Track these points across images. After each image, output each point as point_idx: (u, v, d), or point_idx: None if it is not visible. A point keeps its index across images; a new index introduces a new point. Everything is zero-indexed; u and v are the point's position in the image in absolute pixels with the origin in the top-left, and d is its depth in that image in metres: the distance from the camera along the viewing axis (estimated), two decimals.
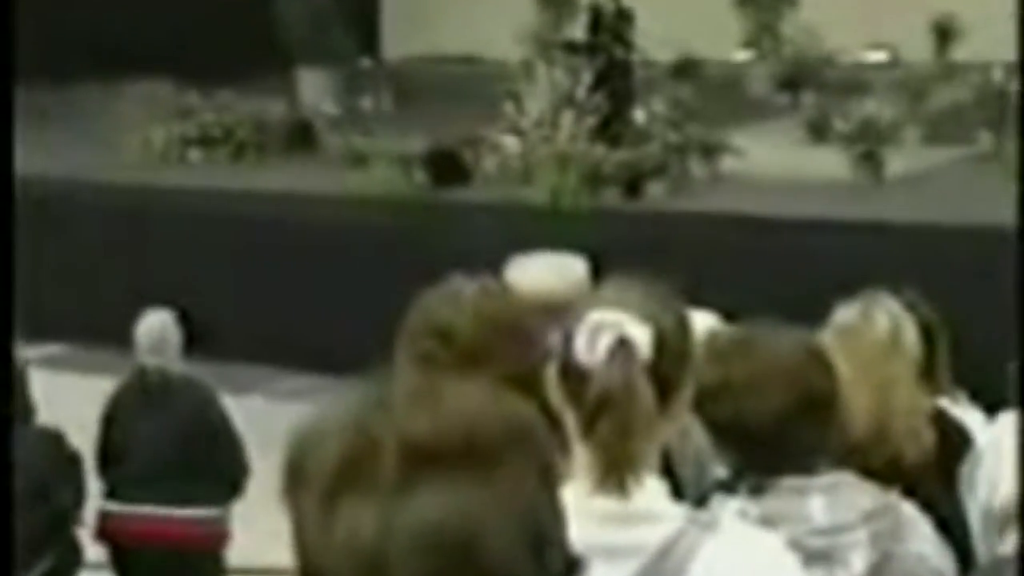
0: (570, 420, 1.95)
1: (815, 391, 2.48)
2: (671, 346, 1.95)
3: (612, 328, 1.92)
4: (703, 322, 3.22)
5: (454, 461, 1.14)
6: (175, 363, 6.37)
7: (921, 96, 14.94)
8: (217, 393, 6.51)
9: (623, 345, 1.91)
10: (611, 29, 13.68)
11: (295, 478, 1.18)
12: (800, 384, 2.46)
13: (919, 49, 17.06)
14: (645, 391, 1.89)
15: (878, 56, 18.53)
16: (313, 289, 11.30)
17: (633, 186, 12.10)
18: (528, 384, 1.92)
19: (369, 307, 10.08)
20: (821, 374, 2.51)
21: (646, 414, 1.89)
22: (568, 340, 1.95)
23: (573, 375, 1.93)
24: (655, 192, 12.17)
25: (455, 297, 2.58)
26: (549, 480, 1.20)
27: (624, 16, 13.84)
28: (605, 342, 1.91)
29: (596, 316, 1.93)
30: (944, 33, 17.26)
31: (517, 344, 2.49)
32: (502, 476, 1.15)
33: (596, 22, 13.83)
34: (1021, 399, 2.85)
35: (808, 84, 16.94)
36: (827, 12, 17.01)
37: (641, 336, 1.91)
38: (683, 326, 2.00)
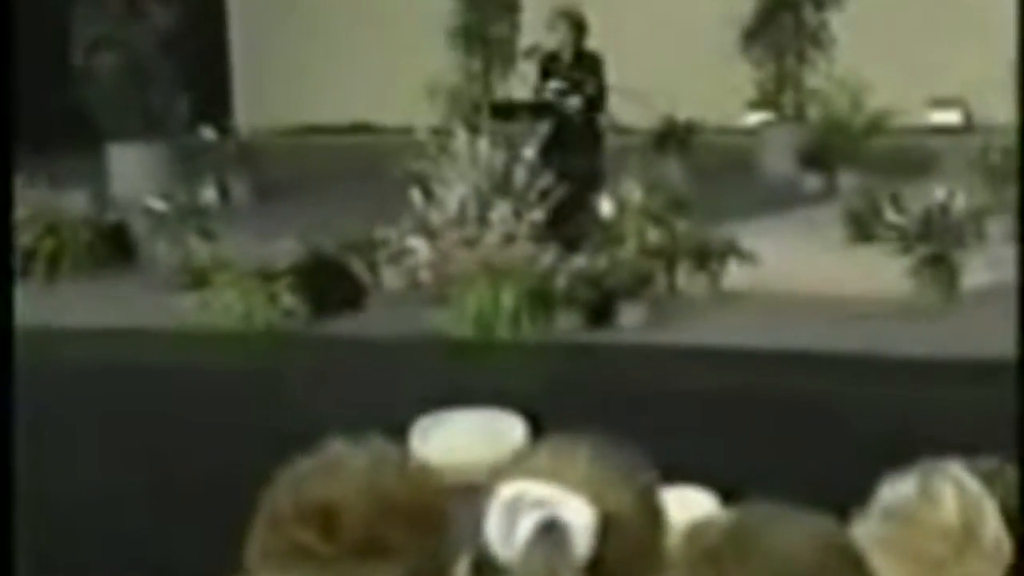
0: None
1: None
2: (624, 534, 1.99)
3: (537, 508, 1.95)
4: (693, 504, 3.26)
5: None
6: None
7: (1007, 174, 15.16)
8: None
9: (551, 531, 1.94)
10: (568, 81, 13.70)
11: None
12: None
13: (1002, 107, 17.35)
14: None
15: (946, 117, 18.84)
16: (133, 466, 11.23)
17: (598, 309, 12.18)
18: None
19: (212, 488, 10.03)
20: None
21: None
22: (479, 524, 1.98)
23: (486, 570, 1.97)
24: (630, 318, 12.26)
25: (339, 469, 2.62)
26: None
27: (588, 63, 13.88)
28: (526, 526, 1.95)
29: (516, 490, 1.97)
30: None
31: (424, 534, 2.53)
32: None
33: (547, 72, 13.88)
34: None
35: (847, 159, 17.16)
36: (873, 57, 17.28)
37: (578, 519, 1.95)
38: (647, 507, 2.05)
